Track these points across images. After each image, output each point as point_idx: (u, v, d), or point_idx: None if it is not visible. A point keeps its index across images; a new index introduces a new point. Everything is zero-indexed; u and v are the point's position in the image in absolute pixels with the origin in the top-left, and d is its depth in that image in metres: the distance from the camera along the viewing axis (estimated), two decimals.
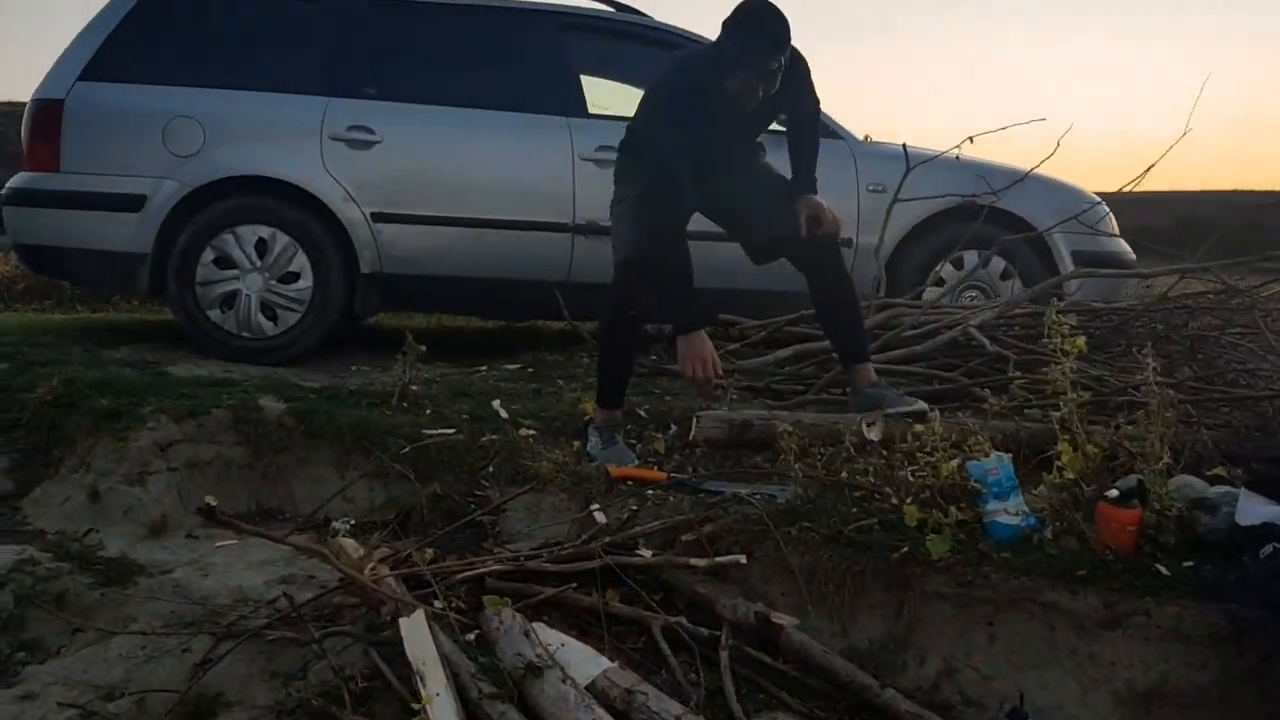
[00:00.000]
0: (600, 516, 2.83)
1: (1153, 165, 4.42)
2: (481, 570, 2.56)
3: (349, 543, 2.57)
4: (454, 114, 4.49)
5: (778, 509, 2.62)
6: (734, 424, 3.13)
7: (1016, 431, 2.99)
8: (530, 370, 4.36)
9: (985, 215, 4.56)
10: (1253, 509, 2.11)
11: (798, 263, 3.30)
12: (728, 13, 2.96)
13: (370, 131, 4.39)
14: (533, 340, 4.92)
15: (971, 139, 4.43)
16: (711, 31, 4.85)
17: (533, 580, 2.57)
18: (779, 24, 2.93)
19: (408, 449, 3.19)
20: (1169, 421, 2.59)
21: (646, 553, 2.58)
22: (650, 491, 2.87)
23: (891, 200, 4.34)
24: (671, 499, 2.80)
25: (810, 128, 3.32)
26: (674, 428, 3.35)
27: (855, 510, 2.59)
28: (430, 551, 2.72)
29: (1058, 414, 2.66)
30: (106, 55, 4.37)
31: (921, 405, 3.09)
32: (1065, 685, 2.26)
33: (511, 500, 2.99)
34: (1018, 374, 3.21)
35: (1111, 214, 4.97)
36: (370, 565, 2.44)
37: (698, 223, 3.29)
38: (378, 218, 4.38)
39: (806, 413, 3.24)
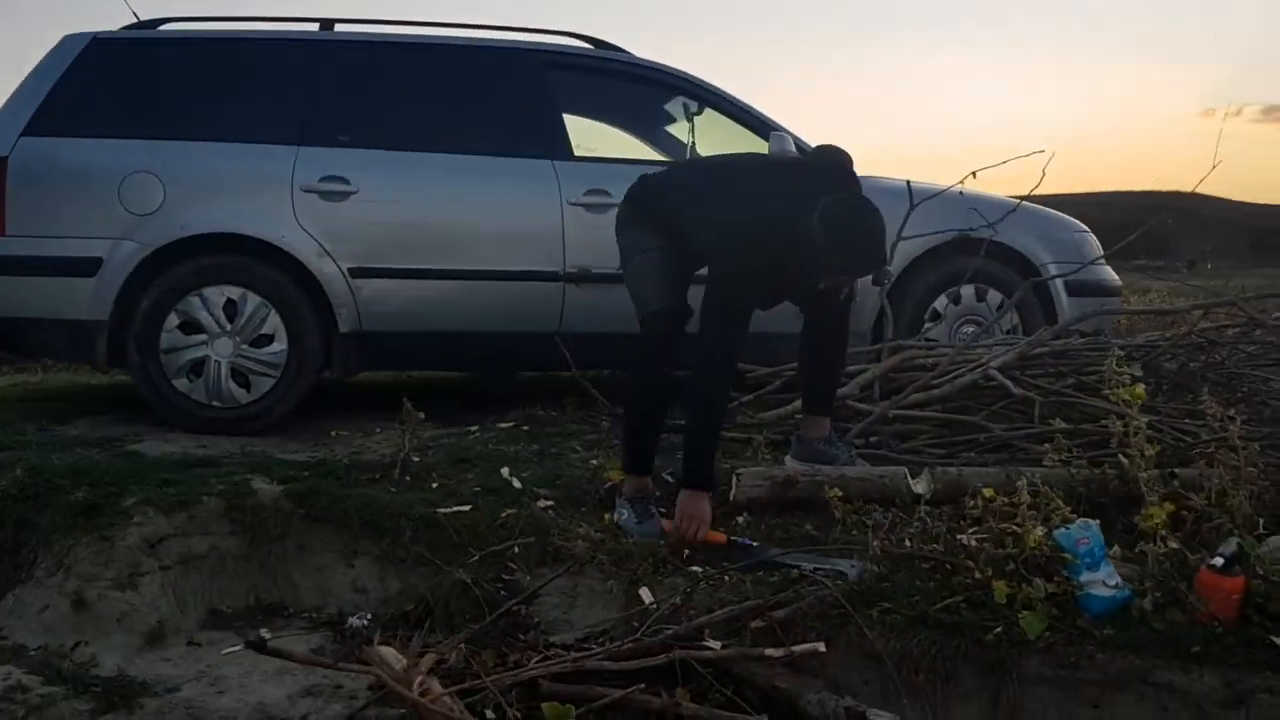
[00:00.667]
0: (648, 598, 2.62)
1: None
2: (535, 672, 2.33)
3: (389, 652, 2.32)
4: (434, 160, 4.24)
5: (853, 589, 2.44)
6: (776, 481, 2.95)
7: (1073, 483, 2.85)
8: (526, 429, 4.12)
9: (967, 246, 4.47)
10: None
11: (800, 302, 3.17)
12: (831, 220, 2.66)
13: (345, 181, 4.13)
14: (516, 394, 4.67)
15: (975, 174, 4.33)
16: (683, 63, 4.77)
17: (591, 680, 2.35)
18: (879, 251, 2.76)
19: (421, 530, 2.95)
20: (1251, 476, 2.48)
21: (716, 644, 2.37)
22: (701, 570, 2.67)
23: (896, 238, 4.21)
24: (728, 579, 2.60)
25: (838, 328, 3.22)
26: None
27: (934, 586, 2.42)
28: (463, 648, 2.49)
29: (1138, 472, 2.53)
30: (53, 107, 4.04)
31: (866, 468, 3.04)
32: None
33: (546, 585, 2.76)
34: (1057, 421, 3.08)
35: (1095, 240, 4.92)
36: (419, 678, 2.20)
37: None
38: (356, 273, 4.11)
39: (849, 467, 3.07)
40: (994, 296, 4.61)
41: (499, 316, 4.26)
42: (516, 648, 2.59)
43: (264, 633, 1.83)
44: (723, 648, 2.36)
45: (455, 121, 4.35)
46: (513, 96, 4.40)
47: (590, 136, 4.79)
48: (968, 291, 4.55)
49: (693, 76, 4.65)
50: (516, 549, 2.91)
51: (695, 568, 2.69)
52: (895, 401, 3.51)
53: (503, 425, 4.17)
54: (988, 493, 2.60)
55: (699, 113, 4.74)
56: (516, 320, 4.27)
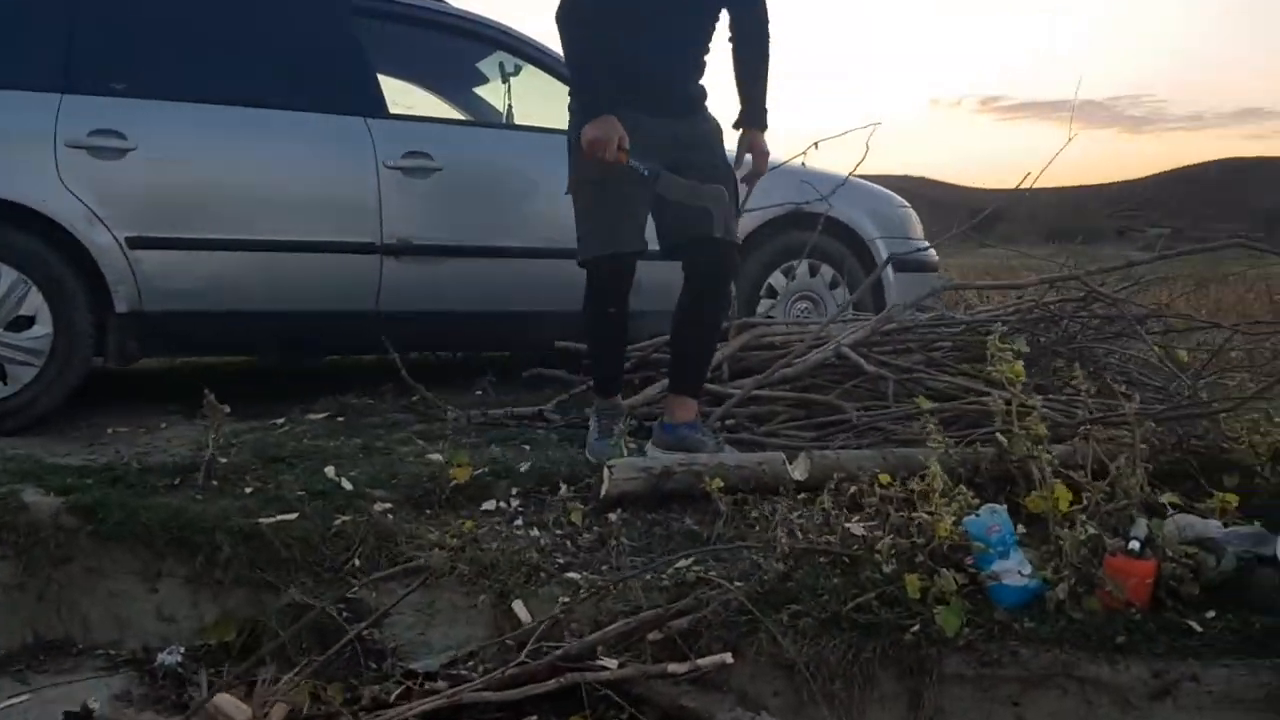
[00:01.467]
0: (524, 614, 2.32)
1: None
2: (407, 712, 1.98)
3: (230, 702, 1.91)
4: (226, 114, 3.69)
5: (759, 592, 2.21)
6: (652, 473, 2.69)
7: (950, 464, 2.74)
8: (341, 420, 3.68)
9: (799, 221, 4.38)
10: None
11: (687, 265, 3.01)
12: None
13: (120, 136, 3.52)
14: (321, 382, 4.20)
15: (816, 145, 4.21)
16: (517, 21, 4.40)
17: (468, 714, 2.04)
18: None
19: (241, 545, 2.51)
20: (1144, 454, 2.43)
21: (612, 663, 2.10)
22: (581, 577, 2.39)
23: (739, 211, 4.03)
24: (614, 588, 2.33)
25: (759, 44, 3.06)
26: (564, 487, 2.85)
27: (841, 583, 2.24)
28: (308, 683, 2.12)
29: (1023, 451, 2.44)
30: None
31: (741, 455, 2.89)
32: None
33: (398, 603, 2.39)
34: (921, 400, 2.98)
35: (916, 216, 4.94)
36: None
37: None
38: (135, 243, 3.52)
39: (726, 454, 2.85)
40: (826, 272, 4.54)
41: (305, 294, 3.78)
42: (368, 680, 2.24)
43: (91, 703, 1.40)
44: (620, 666, 2.10)
45: (252, 70, 3.81)
46: (319, 43, 3.91)
47: (396, 97, 4.35)
48: (802, 268, 4.45)
49: (513, 30, 4.30)
50: (357, 562, 2.53)
51: (572, 574, 2.41)
52: (759, 380, 3.32)
53: (314, 416, 3.71)
54: (883, 479, 2.45)
55: (515, 73, 4.40)
56: (325, 298, 3.81)
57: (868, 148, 4.68)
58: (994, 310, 3.83)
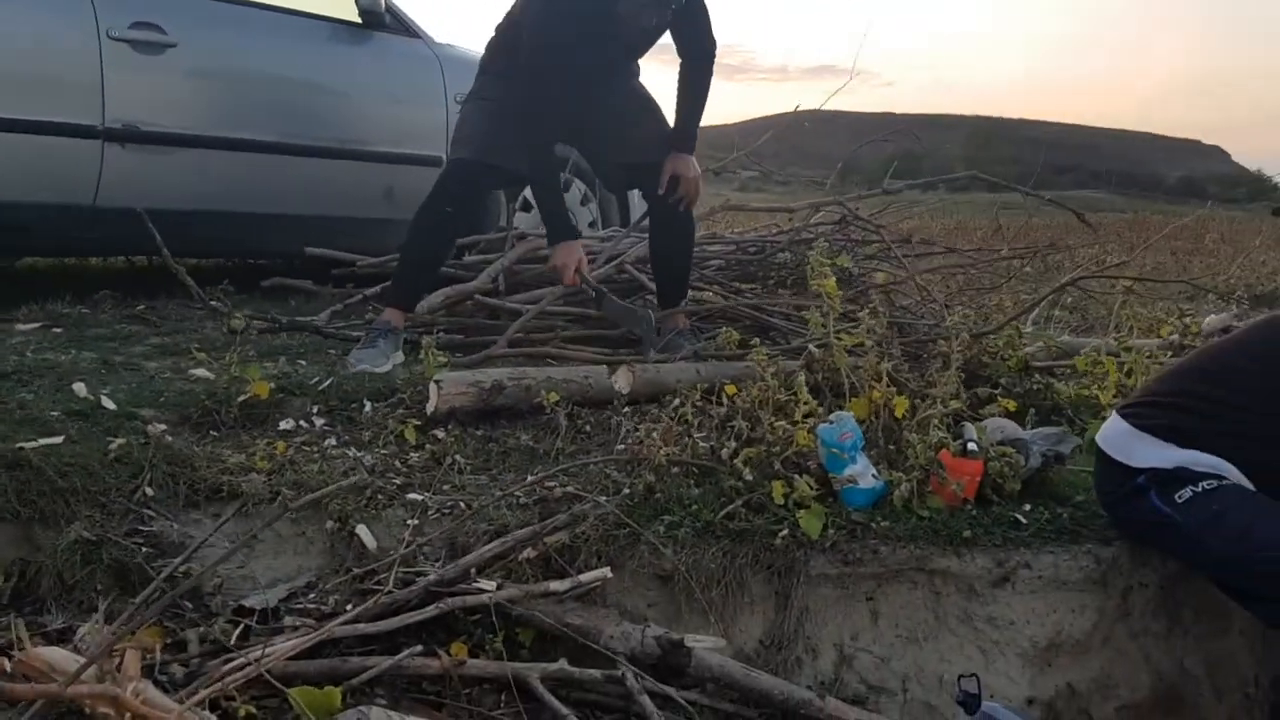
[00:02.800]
0: (369, 539, 2.11)
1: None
2: (278, 655, 1.75)
3: (58, 654, 1.59)
4: None
5: (630, 505, 2.15)
6: (482, 387, 2.53)
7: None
8: (58, 330, 3.17)
9: None
10: (1147, 451, 2.16)
11: (649, 195, 3.18)
12: None
13: None
14: (12, 284, 3.59)
15: None
16: None
17: (333, 652, 1.84)
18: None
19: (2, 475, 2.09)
20: (959, 361, 2.60)
21: (490, 584, 1.97)
22: (425, 498, 2.21)
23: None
24: (470, 507, 2.17)
25: (700, 75, 3.16)
26: (369, 405, 2.62)
27: (707, 493, 2.23)
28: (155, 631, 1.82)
29: (841, 363, 2.54)
30: None
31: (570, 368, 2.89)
32: (964, 653, 2.18)
33: (215, 532, 2.10)
34: (730, 330, 3.05)
35: None
36: (131, 684, 1.52)
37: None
38: None
39: (554, 368, 2.73)
40: (578, 188, 4.47)
41: (8, 181, 3.19)
42: (188, 622, 1.96)
43: None
44: (499, 588, 1.96)
45: None
46: None
47: None
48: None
49: None
50: (149, 490, 2.19)
51: (414, 495, 2.22)
52: (554, 294, 3.22)
53: (24, 327, 3.17)
54: (730, 389, 2.45)
55: None
56: (34, 188, 3.24)
57: None
58: (761, 234, 3.94)
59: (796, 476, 2.22)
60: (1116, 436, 2.22)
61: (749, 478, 2.24)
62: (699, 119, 3.15)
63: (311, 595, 2.04)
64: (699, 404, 2.52)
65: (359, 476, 2.24)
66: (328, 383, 2.67)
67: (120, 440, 2.27)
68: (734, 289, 3.57)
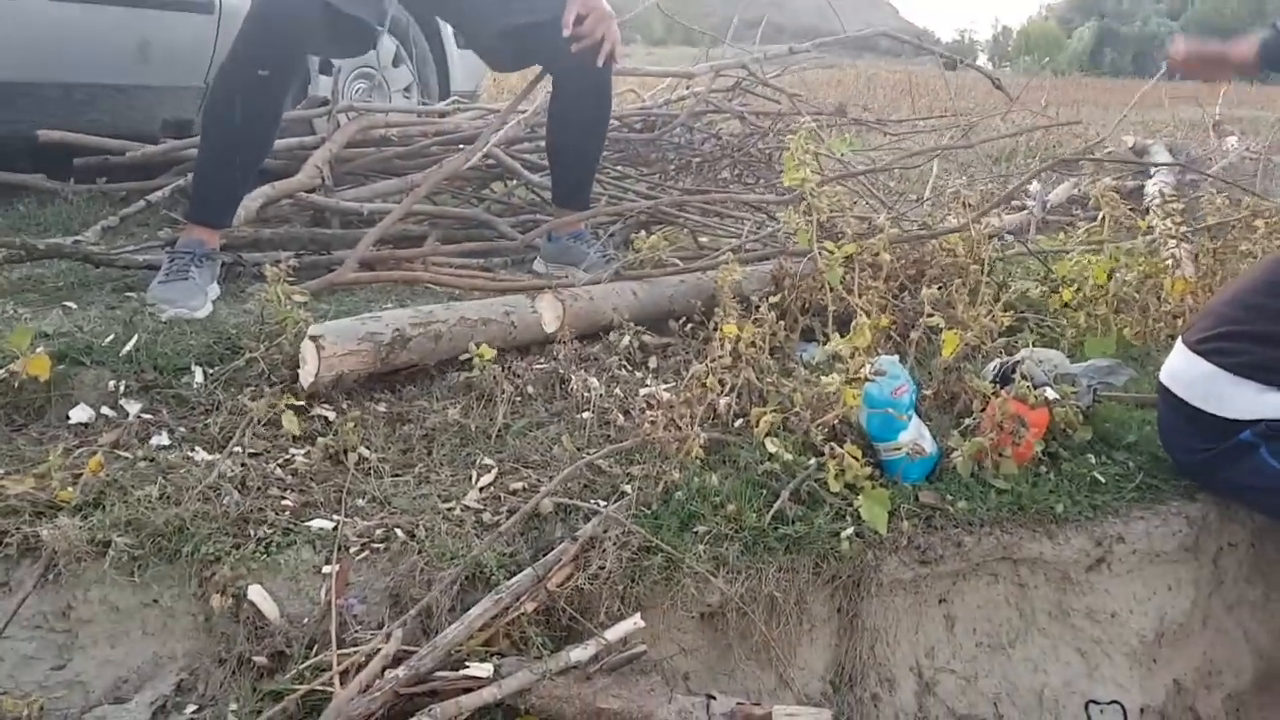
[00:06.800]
0: (268, 606, 1.37)
1: None
2: None
3: None
4: None
5: (649, 511, 1.51)
6: (382, 342, 1.76)
7: (743, 293, 2.18)
8: None
9: None
10: (1250, 399, 1.72)
11: (550, 66, 2.48)
12: None
13: None
14: None
15: None
16: None
17: None
18: None
19: None
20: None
21: (484, 669, 1.30)
22: (338, 521, 1.47)
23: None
24: (412, 535, 1.46)
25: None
26: (199, 373, 1.81)
27: (731, 484, 1.62)
28: None
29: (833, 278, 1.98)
30: None
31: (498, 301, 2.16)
32: (1061, 658, 1.73)
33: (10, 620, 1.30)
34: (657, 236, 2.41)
35: None
36: None
37: None
38: None
39: (459, 304, 1.98)
40: (389, 42, 3.61)
41: None
42: None
43: None
44: (497, 672, 1.30)
45: None
46: None
47: None
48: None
49: None
50: None
51: (321, 521, 1.48)
52: (411, 199, 2.42)
53: None
54: (728, 330, 1.82)
55: None
56: None
57: None
58: (646, 107, 3.23)
59: (834, 447, 1.65)
60: (1198, 380, 1.76)
61: (787, 457, 1.64)
62: None
63: (192, 709, 1.30)
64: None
65: (227, 499, 1.47)
66: (131, 341, 1.81)
67: None
68: (623, 173, 2.89)
